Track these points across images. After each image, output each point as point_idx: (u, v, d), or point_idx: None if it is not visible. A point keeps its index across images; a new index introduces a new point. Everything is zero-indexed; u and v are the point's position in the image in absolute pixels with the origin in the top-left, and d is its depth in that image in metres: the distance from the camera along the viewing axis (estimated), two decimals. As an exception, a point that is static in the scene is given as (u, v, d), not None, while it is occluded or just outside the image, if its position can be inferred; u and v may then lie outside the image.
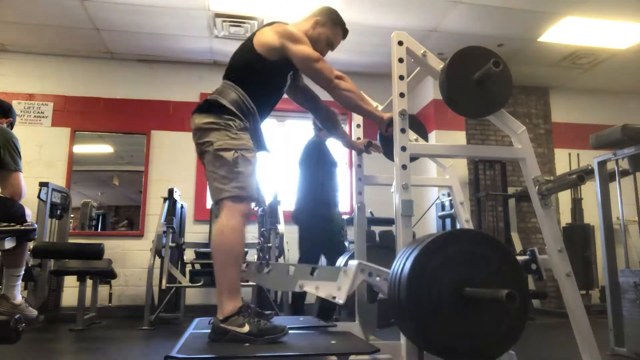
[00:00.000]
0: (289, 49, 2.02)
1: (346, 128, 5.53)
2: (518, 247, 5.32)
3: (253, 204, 2.05)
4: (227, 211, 1.87)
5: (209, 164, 1.94)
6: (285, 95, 2.32)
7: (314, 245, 3.66)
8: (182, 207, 4.94)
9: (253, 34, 2.11)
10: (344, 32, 2.32)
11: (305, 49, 2.04)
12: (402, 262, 1.45)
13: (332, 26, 2.26)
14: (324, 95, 2.34)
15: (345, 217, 4.64)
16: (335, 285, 1.69)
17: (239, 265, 1.92)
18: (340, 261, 2.86)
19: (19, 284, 2.56)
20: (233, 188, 1.88)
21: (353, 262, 1.67)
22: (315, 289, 1.79)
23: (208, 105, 1.98)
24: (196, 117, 2.00)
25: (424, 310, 1.36)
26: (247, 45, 2.08)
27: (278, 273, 2.20)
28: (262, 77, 2.05)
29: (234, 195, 1.88)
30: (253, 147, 1.99)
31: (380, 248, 3.96)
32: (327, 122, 2.54)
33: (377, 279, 1.67)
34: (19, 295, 2.55)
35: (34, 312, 2.62)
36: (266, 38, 2.04)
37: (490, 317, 1.38)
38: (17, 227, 2.39)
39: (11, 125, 2.88)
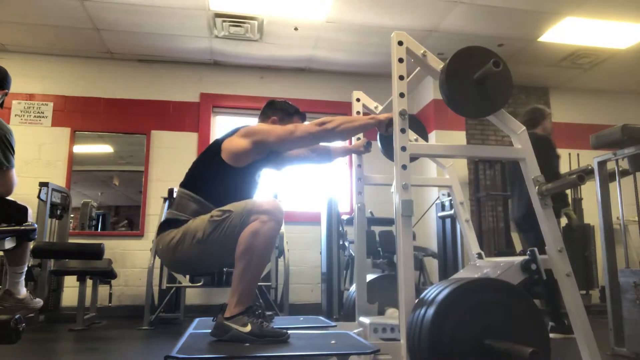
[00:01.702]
0: (264, 143, 1.99)
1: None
2: (518, 247, 5.32)
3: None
4: (262, 217, 1.83)
5: (210, 249, 1.88)
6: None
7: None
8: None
9: (217, 145, 2.05)
10: (302, 118, 2.29)
11: (278, 132, 2.01)
12: (421, 316, 1.40)
13: (290, 118, 2.24)
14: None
15: (345, 217, 4.65)
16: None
17: (262, 271, 1.92)
18: (351, 291, 2.86)
19: (23, 279, 2.57)
20: (242, 212, 1.85)
21: (365, 322, 1.65)
22: None
23: (167, 224, 1.97)
24: (160, 241, 1.96)
25: None
26: (211, 156, 2.04)
27: None
28: (231, 184, 2.01)
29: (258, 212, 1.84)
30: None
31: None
32: (324, 155, 2.49)
33: (393, 332, 1.67)
34: (23, 290, 2.56)
35: (40, 303, 2.64)
36: (236, 145, 2.01)
37: None
38: (17, 227, 2.39)
39: (4, 95, 2.80)
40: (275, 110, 2.26)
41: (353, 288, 3.24)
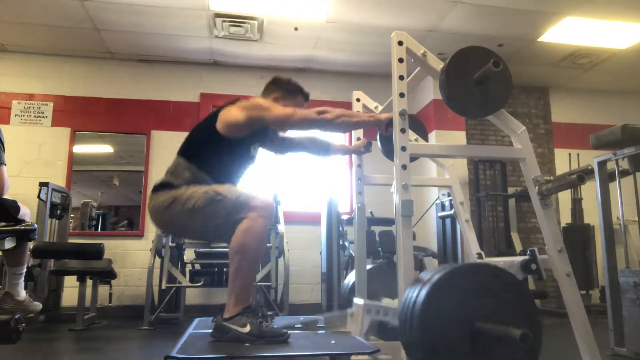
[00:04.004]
0: (262, 118, 1.99)
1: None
2: (518, 247, 5.32)
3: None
4: (251, 215, 1.85)
5: (195, 221, 1.91)
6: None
7: None
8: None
9: (216, 113, 2.07)
10: (305, 97, 2.29)
11: (277, 111, 2.01)
12: (414, 297, 1.42)
13: (293, 97, 2.23)
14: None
15: (345, 217, 4.65)
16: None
17: (256, 269, 1.93)
18: (347, 281, 2.85)
19: (22, 281, 2.57)
20: (234, 203, 1.87)
21: (358, 303, 1.67)
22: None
23: (161, 187, 1.98)
24: (152, 199, 1.98)
25: (436, 346, 1.34)
26: (209, 125, 2.05)
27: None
28: (223, 155, 2.02)
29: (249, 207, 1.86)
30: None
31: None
32: (323, 149, 2.48)
33: (386, 315, 1.68)
34: (22, 292, 2.56)
35: (39, 306, 2.63)
36: (231, 116, 2.01)
37: (503, 352, 1.35)
38: (17, 227, 2.39)
39: None
40: (278, 87, 2.24)
41: (348, 279, 3.24)
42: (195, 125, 2.14)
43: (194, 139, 2.09)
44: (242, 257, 1.82)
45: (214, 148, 2.02)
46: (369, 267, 2.78)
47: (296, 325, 1.97)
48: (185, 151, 2.06)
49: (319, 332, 1.92)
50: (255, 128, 2.03)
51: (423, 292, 1.38)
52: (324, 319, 2.05)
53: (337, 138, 5.15)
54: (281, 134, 2.34)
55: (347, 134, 5.37)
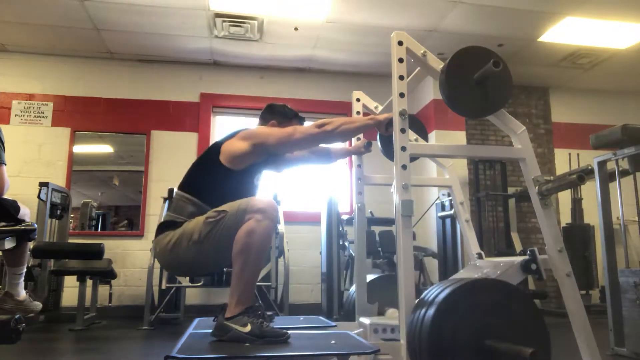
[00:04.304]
0: (263, 145, 2.00)
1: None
2: (518, 247, 5.32)
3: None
4: (256, 216, 1.84)
5: (205, 252, 1.89)
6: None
7: None
8: (182, 207, 4.93)
9: (217, 147, 2.06)
10: (301, 122, 2.28)
11: (277, 134, 2.01)
12: (421, 316, 1.41)
13: (289, 122, 2.23)
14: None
15: (345, 217, 4.65)
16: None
17: (260, 269, 1.92)
18: (352, 290, 2.83)
19: (22, 281, 2.57)
20: (236, 212, 1.86)
21: (365, 322, 1.64)
22: None
23: (165, 227, 1.97)
24: (157, 244, 1.97)
25: None
26: (210, 158, 2.04)
27: None
28: (229, 187, 2.01)
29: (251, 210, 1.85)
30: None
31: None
32: (324, 157, 2.48)
33: (393, 333, 1.67)
34: (22, 292, 2.56)
35: (39, 306, 2.63)
36: (235, 148, 2.02)
37: None
38: (17, 227, 2.39)
39: None
40: (274, 114, 2.26)
41: (353, 288, 3.24)
42: (195, 161, 2.13)
43: (195, 174, 2.08)
44: (246, 258, 1.81)
45: (219, 181, 2.01)
46: (371, 277, 2.78)
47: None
48: (186, 186, 2.04)
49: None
50: (260, 156, 2.04)
51: (430, 312, 1.37)
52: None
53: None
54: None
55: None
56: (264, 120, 2.26)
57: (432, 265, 5.30)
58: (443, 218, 5.08)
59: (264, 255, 1.90)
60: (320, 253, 4.69)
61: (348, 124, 2.06)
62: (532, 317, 1.42)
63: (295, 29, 4.75)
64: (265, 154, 2.06)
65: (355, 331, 1.94)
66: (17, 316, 1.57)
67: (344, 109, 5.55)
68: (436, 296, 1.40)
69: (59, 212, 4.52)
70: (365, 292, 2.54)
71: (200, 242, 1.87)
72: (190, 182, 2.05)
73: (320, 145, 2.40)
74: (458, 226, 4.47)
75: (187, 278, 4.43)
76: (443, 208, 5.08)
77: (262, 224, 1.83)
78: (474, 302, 1.38)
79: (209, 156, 2.06)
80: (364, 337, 1.68)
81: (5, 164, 2.46)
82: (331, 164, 2.58)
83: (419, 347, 1.38)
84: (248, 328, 1.76)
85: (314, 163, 2.48)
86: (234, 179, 2.02)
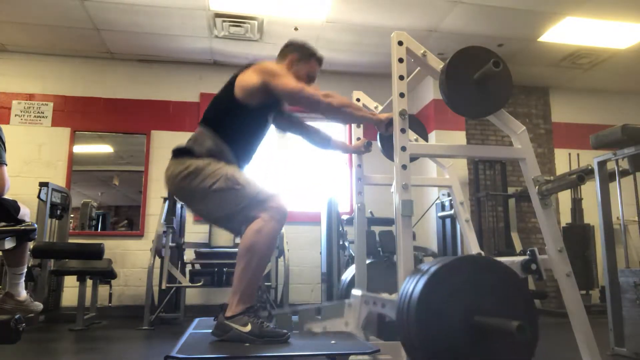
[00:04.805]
0: (272, 84, 1.98)
1: (345, 129, 5.53)
2: (518, 247, 5.32)
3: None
4: (265, 216, 1.86)
5: (208, 200, 1.92)
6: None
7: None
8: (182, 207, 4.93)
9: (234, 77, 2.06)
10: (319, 62, 2.28)
11: (288, 82, 2.00)
12: (411, 289, 1.41)
13: (308, 60, 2.23)
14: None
15: (345, 217, 4.65)
16: (342, 321, 1.69)
17: (263, 270, 1.93)
18: (345, 277, 2.83)
19: (22, 281, 2.57)
20: (252, 197, 1.88)
21: (357, 294, 1.66)
22: (324, 329, 1.80)
23: (183, 153, 1.99)
24: (172, 165, 1.99)
25: (433, 339, 1.35)
26: (228, 92, 2.05)
27: (282, 323, 2.13)
28: (243, 124, 2.03)
29: (259, 200, 1.87)
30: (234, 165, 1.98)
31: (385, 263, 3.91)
32: (323, 140, 2.47)
33: (383, 307, 1.67)
34: (23, 292, 2.56)
35: (39, 306, 2.63)
36: (247, 80, 2.01)
37: (500, 345, 1.35)
38: (17, 227, 2.39)
39: None
40: (294, 48, 2.23)
41: (346, 275, 3.23)
42: (215, 95, 2.13)
43: (214, 108, 2.09)
44: (251, 257, 1.82)
45: (233, 116, 2.02)
46: (367, 261, 2.78)
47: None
48: (207, 120, 2.06)
49: (315, 323, 1.90)
50: (267, 97, 2.02)
51: (420, 284, 1.38)
52: (321, 309, 2.04)
53: (337, 134, 5.14)
54: (288, 108, 2.33)
55: (347, 134, 5.37)
56: (281, 56, 2.23)
57: (432, 265, 5.29)
58: (443, 218, 5.08)
59: (269, 256, 1.91)
60: (320, 253, 4.68)
61: (352, 108, 2.06)
62: (521, 295, 1.43)
63: (296, 29, 4.75)
64: (272, 96, 2.03)
65: (346, 300, 1.92)
66: (17, 316, 1.57)
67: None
68: (427, 269, 1.41)
69: (59, 212, 4.52)
70: (366, 283, 2.53)
71: (209, 191, 1.89)
72: (209, 117, 2.07)
73: (324, 131, 2.42)
74: (458, 226, 4.47)
75: (187, 278, 4.43)
76: (443, 208, 5.08)
77: (269, 225, 1.85)
78: (463, 278, 1.39)
79: (226, 91, 2.07)
80: (355, 308, 1.68)
81: (6, 164, 2.46)
82: (327, 151, 2.56)
83: (407, 318, 1.39)
84: (248, 328, 1.76)
85: (312, 142, 2.46)
86: (248, 115, 2.03)
